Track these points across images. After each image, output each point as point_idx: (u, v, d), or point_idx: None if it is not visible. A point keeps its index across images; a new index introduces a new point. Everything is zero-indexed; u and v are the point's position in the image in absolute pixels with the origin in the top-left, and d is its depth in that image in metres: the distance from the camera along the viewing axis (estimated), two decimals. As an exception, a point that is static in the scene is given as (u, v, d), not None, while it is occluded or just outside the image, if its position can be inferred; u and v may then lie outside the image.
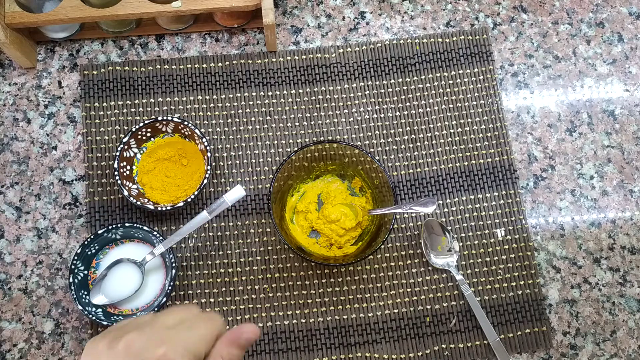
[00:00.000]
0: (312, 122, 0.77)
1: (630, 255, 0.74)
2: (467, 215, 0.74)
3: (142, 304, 0.68)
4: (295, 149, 0.76)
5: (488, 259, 0.73)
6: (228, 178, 0.75)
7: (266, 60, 0.79)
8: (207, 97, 0.77)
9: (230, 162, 0.75)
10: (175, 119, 0.71)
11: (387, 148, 0.76)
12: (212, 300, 0.71)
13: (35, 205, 0.74)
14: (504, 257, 0.73)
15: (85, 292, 0.67)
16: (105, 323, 0.64)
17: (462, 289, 0.71)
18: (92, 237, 0.68)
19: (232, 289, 0.71)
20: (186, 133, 0.73)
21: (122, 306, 0.68)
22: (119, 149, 0.70)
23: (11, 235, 0.73)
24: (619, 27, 0.82)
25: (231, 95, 0.77)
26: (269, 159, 0.76)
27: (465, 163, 0.76)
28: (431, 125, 0.77)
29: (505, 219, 0.74)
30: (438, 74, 0.79)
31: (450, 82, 0.78)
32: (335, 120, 0.77)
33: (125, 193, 0.69)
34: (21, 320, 0.70)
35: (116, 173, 0.69)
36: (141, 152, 0.73)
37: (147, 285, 0.69)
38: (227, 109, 0.77)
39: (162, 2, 0.73)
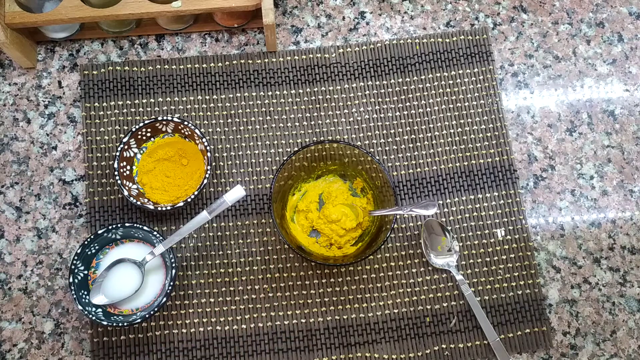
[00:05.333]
0: (312, 122, 0.77)
1: (630, 255, 0.74)
2: (467, 215, 0.74)
3: (142, 304, 0.68)
4: (296, 149, 0.76)
5: (488, 259, 0.73)
6: (228, 178, 0.75)
7: (266, 60, 0.79)
8: (207, 97, 0.77)
9: (230, 162, 0.75)
10: (175, 119, 0.71)
11: (387, 148, 0.76)
12: (212, 300, 0.71)
13: (35, 205, 0.74)
14: (504, 257, 0.73)
15: (85, 292, 0.67)
16: (105, 323, 0.64)
17: (462, 289, 0.71)
18: (92, 237, 0.68)
19: (232, 289, 0.71)
20: (186, 133, 0.73)
21: (122, 306, 0.68)
22: (119, 149, 0.70)
23: (11, 235, 0.73)
24: (619, 27, 0.82)
25: (231, 95, 0.77)
26: (269, 159, 0.76)
27: (465, 163, 0.76)
28: (431, 125, 0.77)
29: (505, 219, 0.74)
30: (438, 74, 0.79)
31: (450, 82, 0.78)
32: (335, 120, 0.77)
33: (125, 193, 0.69)
34: (21, 320, 0.70)
35: (116, 173, 0.69)
36: (141, 152, 0.73)
37: (147, 285, 0.69)
38: (227, 109, 0.77)
39: (162, 2, 0.73)
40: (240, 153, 0.76)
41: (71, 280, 0.66)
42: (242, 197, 0.67)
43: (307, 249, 0.70)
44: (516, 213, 0.74)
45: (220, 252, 0.72)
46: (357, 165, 0.71)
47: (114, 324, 0.64)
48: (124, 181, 0.70)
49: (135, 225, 0.68)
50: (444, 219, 0.74)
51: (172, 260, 0.67)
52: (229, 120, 0.77)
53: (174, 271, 0.67)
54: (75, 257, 0.67)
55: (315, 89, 0.78)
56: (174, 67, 0.78)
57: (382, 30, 0.81)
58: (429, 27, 0.81)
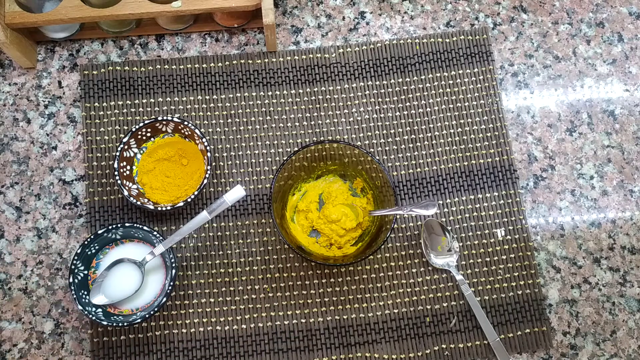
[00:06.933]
0: (312, 122, 0.77)
1: (630, 255, 0.74)
2: (467, 215, 0.74)
3: (142, 304, 0.68)
4: (296, 149, 0.76)
5: (488, 259, 0.73)
6: (228, 178, 0.75)
7: (266, 60, 0.79)
8: (207, 97, 0.77)
9: (230, 162, 0.75)
10: (175, 119, 0.71)
11: (387, 148, 0.76)
12: (212, 300, 0.71)
13: (35, 205, 0.74)
14: (504, 257, 0.73)
15: (85, 292, 0.67)
16: (105, 323, 0.64)
17: (462, 289, 0.71)
18: (92, 237, 0.68)
19: (232, 289, 0.71)
20: (186, 133, 0.73)
21: (122, 306, 0.68)
22: (119, 149, 0.70)
23: (11, 235, 0.73)
24: (619, 27, 0.82)
25: (231, 95, 0.77)
26: (269, 159, 0.76)
27: (465, 163, 0.76)
28: (431, 125, 0.77)
29: (505, 219, 0.74)
30: (438, 74, 0.79)
31: (450, 82, 0.78)
32: (335, 120, 0.77)
33: (125, 193, 0.69)
34: (21, 320, 0.70)
35: (116, 173, 0.69)
36: (141, 152, 0.73)
37: (147, 285, 0.69)
38: (227, 109, 0.77)
39: (162, 2, 0.73)
40: (240, 153, 0.76)
41: (71, 280, 0.66)
42: (242, 197, 0.67)
43: (307, 249, 0.70)
44: (516, 213, 0.74)
45: (220, 252, 0.72)
46: (357, 165, 0.71)
47: (114, 324, 0.64)
48: (124, 181, 0.70)
49: (135, 225, 0.68)
50: (444, 219, 0.74)
51: (172, 260, 0.67)
52: (229, 120, 0.77)
53: (174, 271, 0.67)
54: (75, 257, 0.67)
55: (315, 89, 0.78)
56: (174, 67, 0.78)
57: (382, 30, 0.81)
58: (429, 27, 0.81)
